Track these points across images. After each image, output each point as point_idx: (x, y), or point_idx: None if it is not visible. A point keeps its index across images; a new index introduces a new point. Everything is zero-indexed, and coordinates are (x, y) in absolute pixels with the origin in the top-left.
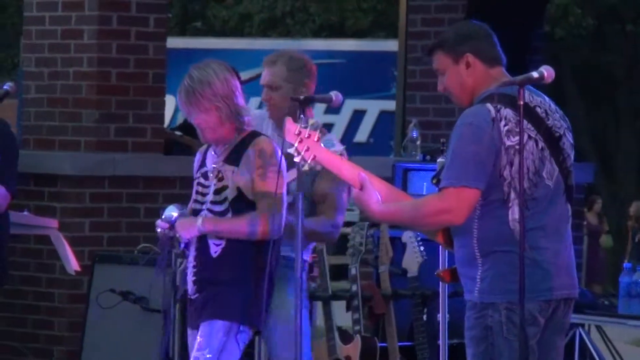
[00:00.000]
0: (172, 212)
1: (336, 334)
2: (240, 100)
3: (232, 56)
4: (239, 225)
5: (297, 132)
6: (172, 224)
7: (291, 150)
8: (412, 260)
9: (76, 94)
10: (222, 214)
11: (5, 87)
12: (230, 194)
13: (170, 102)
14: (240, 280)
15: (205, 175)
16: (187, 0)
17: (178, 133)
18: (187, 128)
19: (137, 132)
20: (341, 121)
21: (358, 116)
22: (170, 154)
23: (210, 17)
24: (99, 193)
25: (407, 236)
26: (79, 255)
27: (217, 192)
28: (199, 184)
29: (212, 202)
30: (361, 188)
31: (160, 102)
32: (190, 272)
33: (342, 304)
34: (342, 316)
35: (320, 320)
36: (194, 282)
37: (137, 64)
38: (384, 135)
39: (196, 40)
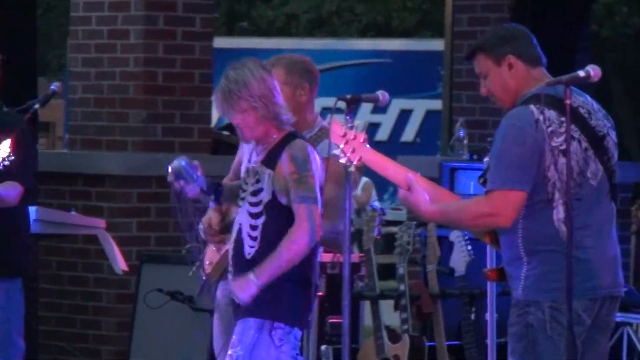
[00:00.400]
0: (179, 161)
1: (384, 334)
2: (279, 99)
3: None
4: (288, 255)
5: (342, 133)
6: (178, 174)
7: (337, 152)
8: (459, 259)
9: (123, 94)
10: (256, 216)
11: (52, 87)
12: (265, 197)
13: None
14: (272, 281)
15: (247, 172)
16: (234, 0)
17: (225, 133)
18: (234, 128)
19: (184, 132)
20: (388, 121)
21: (405, 116)
22: (217, 153)
23: (257, 17)
24: (146, 193)
25: (455, 235)
26: (126, 255)
27: (254, 193)
28: (243, 180)
29: (250, 203)
30: (409, 188)
31: (206, 102)
32: (229, 270)
33: (390, 303)
34: (390, 315)
35: (368, 320)
36: (232, 280)
37: (183, 64)
38: (431, 135)
39: (242, 40)
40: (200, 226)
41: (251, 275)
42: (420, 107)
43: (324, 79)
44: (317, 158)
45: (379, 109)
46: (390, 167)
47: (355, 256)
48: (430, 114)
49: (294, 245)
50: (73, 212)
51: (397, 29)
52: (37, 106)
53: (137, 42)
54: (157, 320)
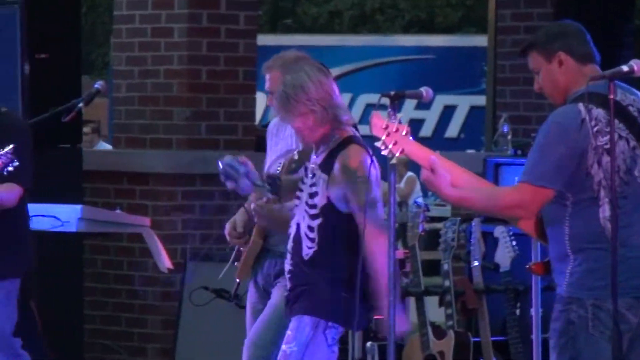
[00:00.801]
0: (223, 160)
1: (429, 330)
2: (337, 100)
3: (322, 53)
4: (383, 267)
5: (384, 125)
6: (226, 174)
7: (378, 144)
8: (504, 255)
9: (167, 92)
10: (313, 217)
11: (96, 85)
12: (319, 201)
13: (261, 99)
14: (330, 280)
15: (306, 171)
16: None
17: None
18: None
19: (229, 130)
20: (432, 117)
21: (448, 112)
22: (261, 150)
23: (301, 14)
24: (191, 191)
25: (499, 231)
26: (171, 253)
27: (311, 195)
28: (302, 176)
29: (307, 203)
30: (432, 170)
31: (251, 99)
32: (286, 268)
33: (435, 299)
34: (435, 312)
35: (413, 316)
36: (289, 280)
37: (227, 62)
38: (475, 131)
39: (286, 37)
40: (226, 229)
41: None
42: (464, 103)
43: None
44: (374, 162)
45: (423, 105)
46: (426, 157)
47: (400, 252)
48: (474, 110)
49: (381, 255)
50: (118, 211)
51: (441, 25)
52: (81, 105)
53: (181, 40)
54: (202, 318)
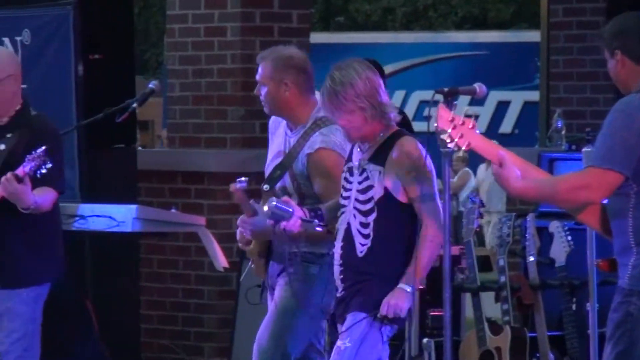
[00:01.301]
0: (270, 205)
1: (485, 325)
2: (384, 98)
3: (375, 50)
4: (429, 255)
5: (450, 118)
6: (275, 216)
7: (444, 137)
8: (560, 250)
9: (221, 91)
10: (367, 213)
11: (150, 85)
12: (376, 193)
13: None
14: (386, 275)
15: (350, 171)
16: None
17: None
18: None
19: None
20: (486, 112)
21: (502, 107)
22: None
23: (353, 11)
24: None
25: (555, 226)
26: (227, 251)
27: (363, 191)
28: (344, 178)
29: (357, 200)
30: (500, 165)
31: None
32: (337, 270)
33: (490, 295)
34: (491, 307)
35: (469, 312)
36: (342, 280)
37: None
38: (529, 126)
39: (339, 35)
40: (237, 234)
41: (403, 286)
42: (517, 98)
43: (421, 72)
44: (428, 154)
45: (477, 101)
46: (492, 150)
47: (456, 249)
48: (527, 105)
49: (431, 245)
50: (173, 210)
51: (493, 21)
52: (135, 105)
53: (234, 39)
54: (259, 316)
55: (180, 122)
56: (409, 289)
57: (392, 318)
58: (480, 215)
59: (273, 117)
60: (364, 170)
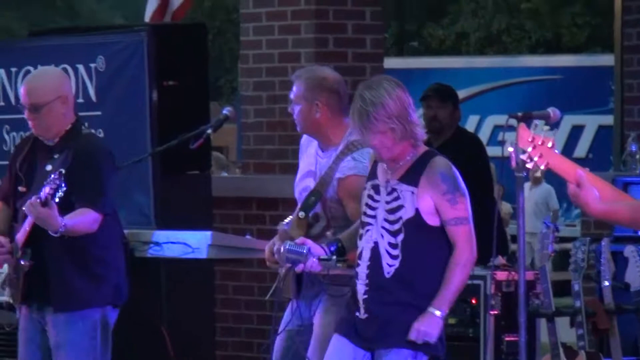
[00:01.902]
0: (283, 249)
1: (561, 350)
2: (414, 116)
3: (449, 75)
4: (460, 281)
5: (530, 138)
6: (291, 260)
7: (523, 157)
8: (635, 274)
9: None
10: (395, 233)
11: (224, 111)
12: (405, 214)
13: None
14: (424, 306)
15: (376, 189)
16: (404, 20)
17: None
18: None
19: None
20: (560, 137)
21: (576, 131)
22: None
23: (427, 36)
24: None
25: (629, 250)
26: None
27: (392, 210)
28: (369, 196)
29: (386, 220)
30: (578, 185)
31: None
32: (361, 289)
33: (566, 320)
34: (566, 332)
35: (544, 337)
36: (365, 301)
37: (354, 86)
38: (603, 150)
39: (413, 60)
40: (265, 253)
41: (433, 310)
42: (592, 122)
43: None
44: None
45: (551, 125)
46: (571, 169)
47: (530, 274)
48: (602, 129)
49: (464, 270)
50: (248, 236)
51: (567, 45)
52: (209, 131)
53: (308, 65)
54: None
55: (254, 149)
56: (438, 313)
57: (430, 347)
58: (555, 240)
59: (305, 137)
60: (393, 189)
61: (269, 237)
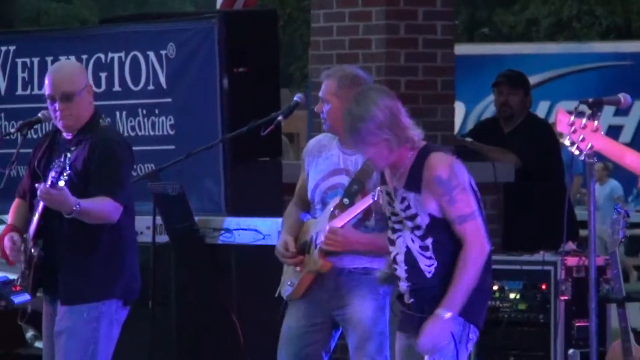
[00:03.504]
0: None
1: (631, 336)
2: (405, 121)
3: (520, 61)
4: (468, 279)
5: (570, 122)
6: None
7: (565, 142)
8: None
9: None
10: (423, 237)
11: (295, 98)
12: (422, 221)
13: (459, 109)
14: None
15: (389, 195)
16: (474, 7)
17: (468, 139)
18: (477, 134)
19: (427, 139)
20: (630, 123)
21: None
22: (460, 159)
23: (498, 22)
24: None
25: None
26: None
27: (409, 218)
28: (388, 202)
29: (411, 227)
30: None
31: (449, 109)
32: (407, 296)
33: (636, 305)
34: (637, 318)
35: (615, 323)
36: (412, 303)
37: (425, 72)
38: None
39: (484, 46)
40: (278, 250)
41: (442, 313)
42: None
43: (565, 83)
44: (460, 165)
45: (621, 111)
46: (628, 155)
47: (601, 259)
48: None
49: (474, 267)
50: None
51: (638, 31)
52: (280, 118)
53: (379, 52)
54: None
55: None
56: (448, 315)
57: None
58: (626, 226)
59: (315, 141)
60: (403, 198)
61: None
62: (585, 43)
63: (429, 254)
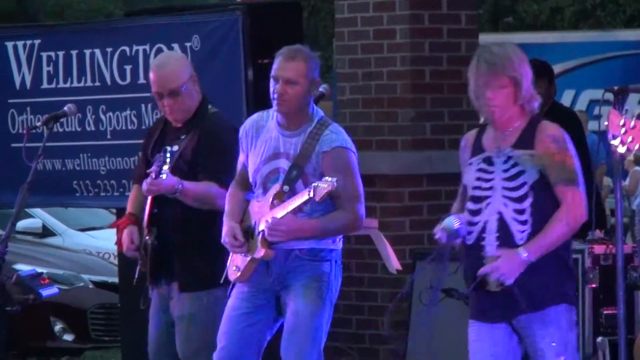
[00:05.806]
0: (453, 223)
1: None
2: (530, 87)
3: (544, 50)
4: (556, 236)
5: (621, 123)
6: (451, 237)
7: (614, 142)
8: None
9: (391, 94)
10: (521, 199)
11: (320, 89)
12: (530, 178)
13: None
14: (559, 262)
15: (487, 160)
16: None
17: None
18: None
19: (454, 130)
20: None
21: None
22: None
23: (521, 11)
24: (418, 192)
25: None
26: (399, 253)
27: (512, 178)
28: (480, 169)
29: (506, 189)
30: None
31: None
32: (492, 249)
33: None
34: None
35: None
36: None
37: (450, 62)
38: None
39: (508, 35)
40: (225, 240)
41: (520, 251)
42: None
43: (590, 71)
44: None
45: None
46: None
47: (628, 247)
48: None
49: (564, 228)
50: None
51: None
52: None
53: (404, 41)
54: (432, 318)
55: (350, 125)
56: (525, 255)
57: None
58: None
59: (252, 121)
60: (509, 157)
61: (367, 213)
62: (609, 31)
63: (524, 217)
